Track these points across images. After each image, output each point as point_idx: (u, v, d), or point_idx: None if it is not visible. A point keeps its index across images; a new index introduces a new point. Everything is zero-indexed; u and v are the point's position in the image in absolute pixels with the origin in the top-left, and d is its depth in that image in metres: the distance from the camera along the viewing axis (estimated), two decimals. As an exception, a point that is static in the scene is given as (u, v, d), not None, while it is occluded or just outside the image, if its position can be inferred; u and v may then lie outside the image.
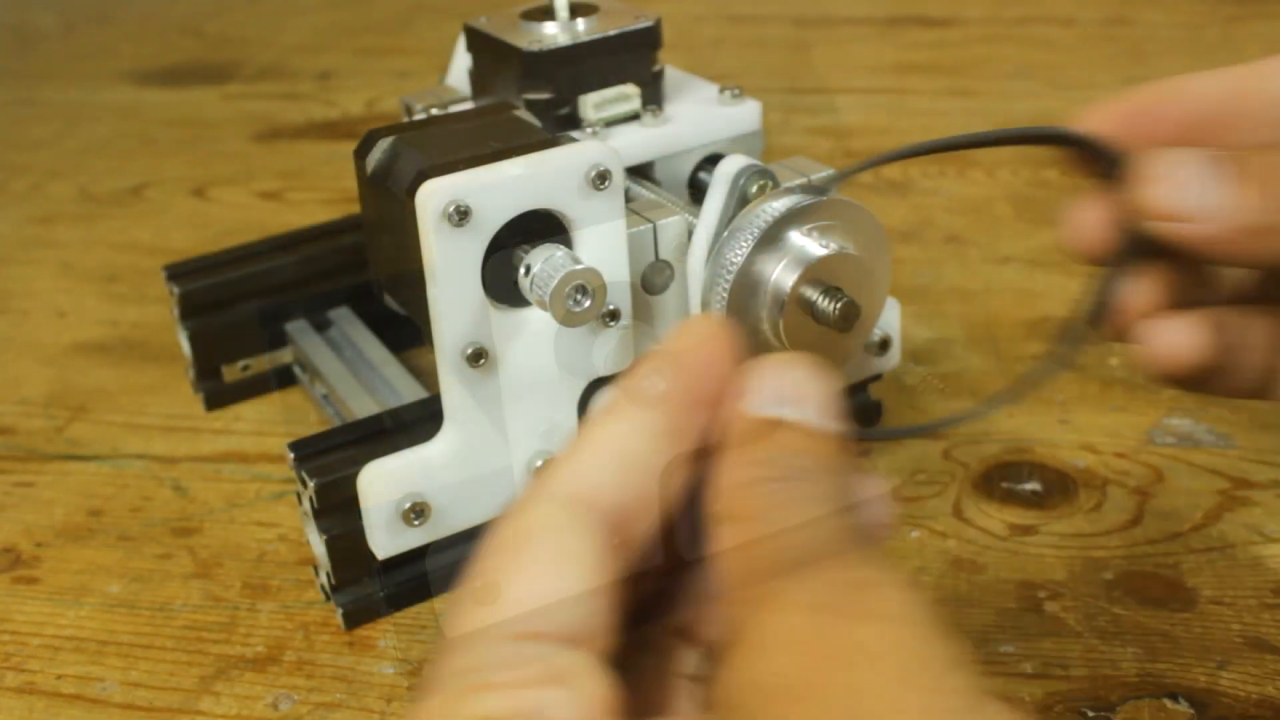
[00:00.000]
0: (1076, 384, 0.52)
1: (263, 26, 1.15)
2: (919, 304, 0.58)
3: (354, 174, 0.42)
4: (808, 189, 0.40)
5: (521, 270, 0.38)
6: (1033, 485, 0.47)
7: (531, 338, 0.39)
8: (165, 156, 0.86)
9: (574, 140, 0.39)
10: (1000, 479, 0.47)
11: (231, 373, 0.55)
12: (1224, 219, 0.28)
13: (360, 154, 0.40)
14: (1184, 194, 0.29)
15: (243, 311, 0.54)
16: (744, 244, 0.39)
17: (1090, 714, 0.37)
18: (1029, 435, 0.49)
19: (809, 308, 0.39)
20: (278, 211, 0.75)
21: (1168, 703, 0.37)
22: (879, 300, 0.42)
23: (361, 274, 0.56)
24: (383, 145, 0.40)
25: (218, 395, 0.55)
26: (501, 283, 0.39)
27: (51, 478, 0.52)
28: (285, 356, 0.56)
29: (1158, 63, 0.89)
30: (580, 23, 0.45)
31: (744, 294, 0.40)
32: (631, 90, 0.46)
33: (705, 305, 0.41)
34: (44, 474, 0.52)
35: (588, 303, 0.37)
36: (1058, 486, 0.46)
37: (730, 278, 0.39)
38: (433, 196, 0.36)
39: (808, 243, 0.39)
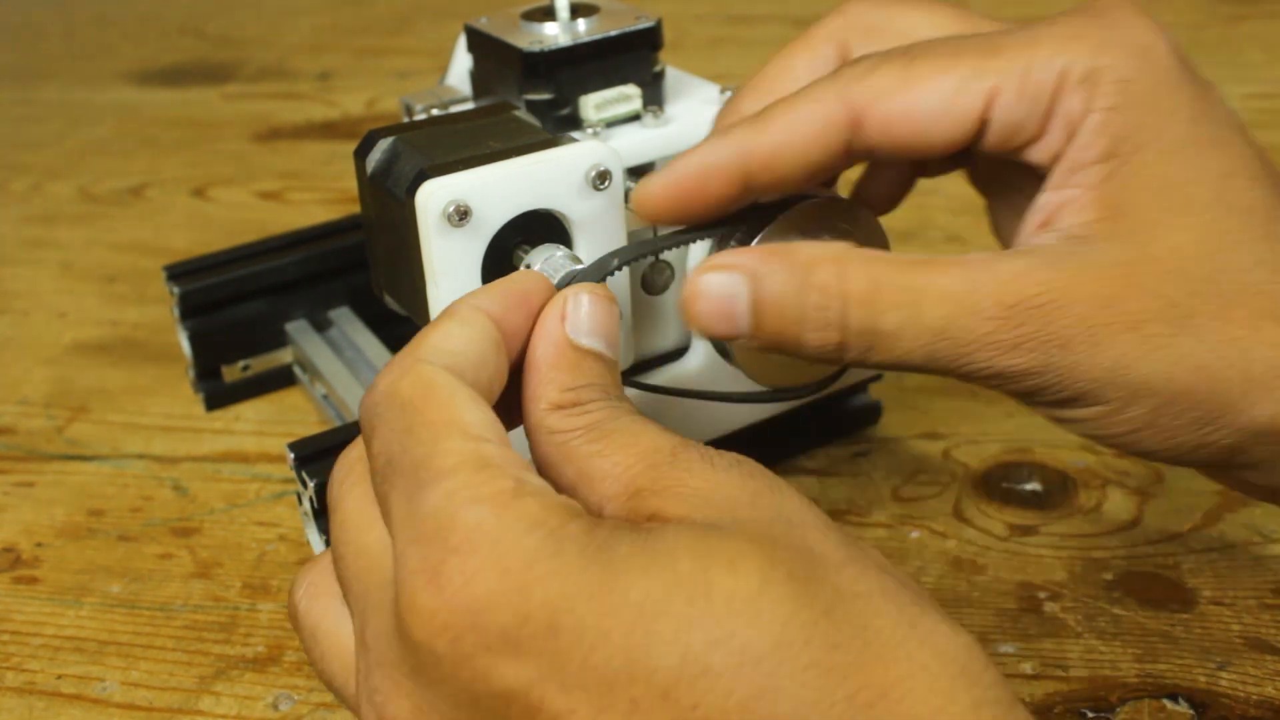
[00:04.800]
0: (1076, 384, 0.52)
1: (263, 26, 1.15)
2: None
3: (354, 174, 0.42)
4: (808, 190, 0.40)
5: (522, 269, 0.38)
6: (1033, 485, 0.47)
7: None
8: (165, 156, 0.86)
9: (575, 140, 0.39)
10: (1000, 479, 0.47)
11: (231, 373, 0.55)
12: (760, 341, 0.32)
13: (360, 154, 0.40)
14: (723, 327, 0.32)
15: (243, 311, 0.54)
16: (744, 244, 0.39)
17: (1090, 714, 0.37)
18: (1029, 435, 0.49)
19: None
20: (278, 211, 0.75)
21: (1168, 703, 0.37)
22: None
23: (362, 274, 0.56)
24: (383, 145, 0.40)
25: (218, 395, 0.55)
26: None
27: (51, 478, 0.52)
28: (285, 356, 0.56)
29: (1158, 63, 0.89)
30: (581, 23, 0.45)
31: None
32: (632, 91, 0.46)
33: None
34: (44, 474, 0.52)
35: None
36: (1058, 486, 0.46)
37: None
38: (432, 197, 0.36)
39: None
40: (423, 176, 0.37)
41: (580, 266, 0.36)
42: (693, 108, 0.47)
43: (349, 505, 0.30)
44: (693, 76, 0.50)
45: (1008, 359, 0.31)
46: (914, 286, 0.31)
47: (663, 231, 0.37)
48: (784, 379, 0.42)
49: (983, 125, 0.33)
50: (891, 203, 0.41)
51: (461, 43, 0.50)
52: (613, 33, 0.45)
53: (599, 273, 0.35)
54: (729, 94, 0.47)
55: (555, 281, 0.36)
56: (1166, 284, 0.31)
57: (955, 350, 0.31)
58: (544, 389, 0.30)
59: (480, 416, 0.28)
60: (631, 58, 0.46)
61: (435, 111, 0.49)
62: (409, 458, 0.27)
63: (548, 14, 0.46)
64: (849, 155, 0.34)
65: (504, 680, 0.25)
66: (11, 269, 0.71)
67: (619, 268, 0.35)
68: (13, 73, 1.08)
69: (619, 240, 0.40)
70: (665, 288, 0.43)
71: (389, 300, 0.43)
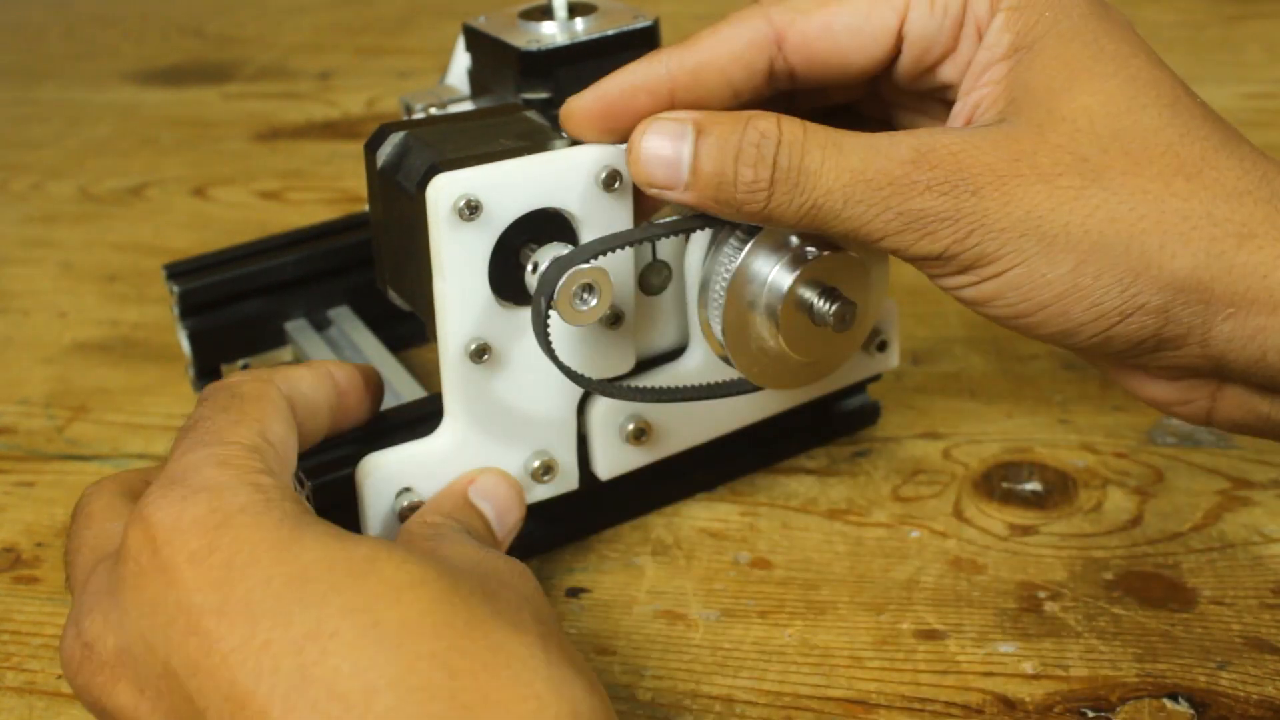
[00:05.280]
0: (1076, 384, 0.52)
1: (263, 26, 1.15)
2: (919, 304, 0.58)
3: (355, 174, 0.42)
4: None
5: (529, 267, 0.38)
6: (1033, 485, 0.47)
7: (534, 337, 0.39)
8: (165, 156, 0.86)
9: (584, 141, 0.39)
10: (1000, 479, 0.47)
11: (231, 372, 0.55)
12: (695, 191, 0.35)
13: (371, 148, 0.40)
14: (663, 171, 0.35)
15: (242, 310, 0.54)
16: (741, 244, 0.39)
17: (1090, 714, 0.37)
18: (1029, 435, 0.49)
19: (806, 309, 0.39)
20: (278, 211, 0.75)
21: (1168, 703, 0.37)
22: (877, 300, 0.42)
23: (360, 273, 0.56)
24: (394, 140, 0.40)
25: (218, 395, 0.55)
26: (507, 280, 0.39)
27: (51, 478, 0.52)
28: (285, 356, 0.56)
29: (1158, 62, 0.89)
30: (579, 22, 0.45)
31: (741, 294, 0.40)
32: (631, 90, 0.46)
33: (703, 306, 0.41)
34: (44, 474, 0.52)
35: (594, 301, 0.37)
36: (1058, 486, 0.46)
37: (727, 278, 0.39)
38: (444, 190, 0.36)
39: (805, 243, 0.39)
40: (434, 170, 0.37)
41: (566, 251, 0.37)
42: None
43: (96, 504, 0.35)
44: None
45: (921, 200, 0.33)
46: (839, 134, 0.34)
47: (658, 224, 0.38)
48: (781, 381, 0.42)
49: (898, 43, 0.35)
50: None
51: (461, 42, 0.50)
52: (610, 32, 0.45)
53: (584, 255, 0.36)
54: None
55: (544, 265, 0.37)
56: (1076, 141, 0.33)
57: (871, 192, 0.33)
58: (431, 505, 0.39)
59: (280, 431, 0.34)
60: (629, 57, 0.45)
61: (434, 110, 0.49)
62: (210, 426, 0.33)
63: (545, 13, 0.46)
64: (771, 78, 0.36)
65: (183, 592, 0.28)
66: (11, 269, 0.71)
67: (602, 253, 0.36)
68: (13, 73, 1.08)
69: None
70: (663, 288, 0.43)
71: (393, 295, 0.43)
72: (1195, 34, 0.94)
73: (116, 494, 0.35)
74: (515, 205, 0.37)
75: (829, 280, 0.39)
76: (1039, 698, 0.37)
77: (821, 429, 0.49)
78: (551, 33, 0.45)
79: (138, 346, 0.62)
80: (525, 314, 0.39)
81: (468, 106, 0.49)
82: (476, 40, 0.47)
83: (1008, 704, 0.37)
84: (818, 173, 0.33)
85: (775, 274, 0.39)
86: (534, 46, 0.44)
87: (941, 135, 0.33)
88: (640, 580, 0.43)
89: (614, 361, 0.41)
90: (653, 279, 0.42)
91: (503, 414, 0.40)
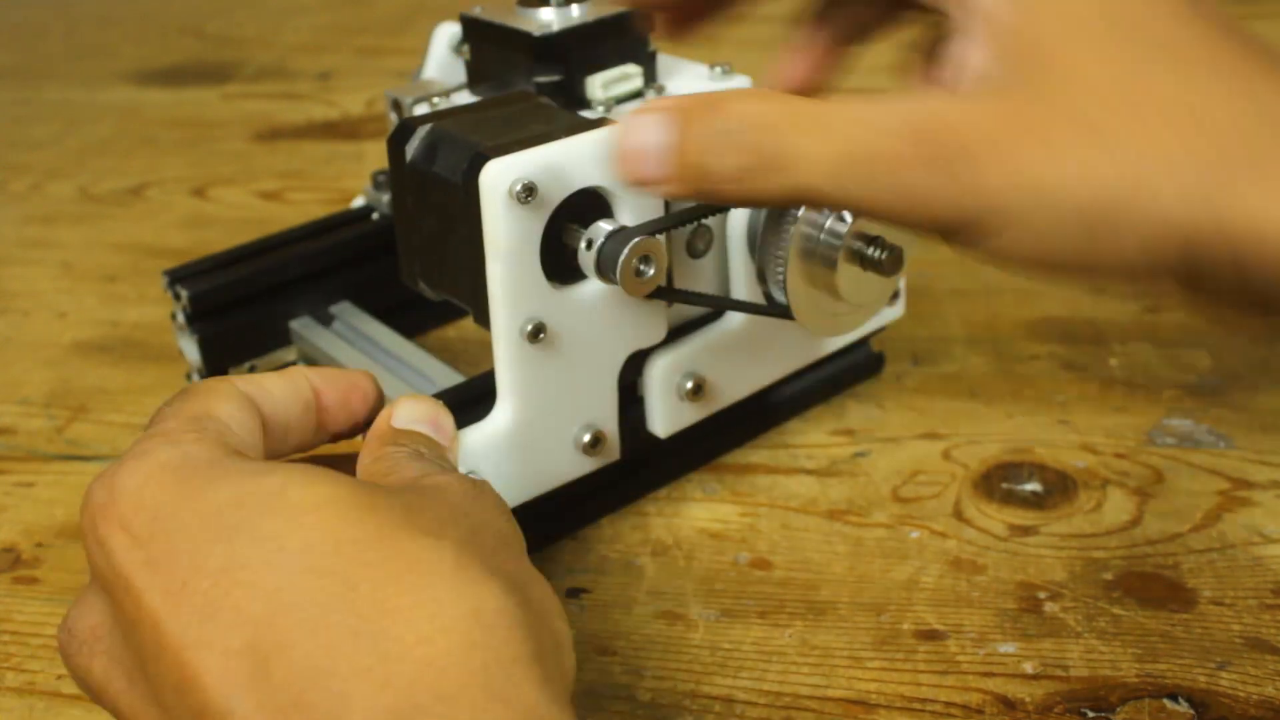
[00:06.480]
0: (1076, 384, 0.52)
1: (263, 26, 1.15)
2: (919, 304, 0.58)
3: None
4: None
5: (583, 244, 0.39)
6: (1033, 486, 0.47)
7: (579, 313, 0.41)
8: (165, 156, 0.86)
9: (614, 121, 0.40)
10: (1000, 479, 0.47)
11: (238, 374, 0.55)
12: (678, 184, 0.33)
13: (397, 142, 0.41)
14: (645, 168, 0.33)
15: (251, 312, 0.54)
16: (797, 212, 0.42)
17: (1090, 714, 0.37)
18: (1029, 436, 0.49)
19: (859, 259, 0.42)
20: (278, 211, 0.75)
21: (1168, 703, 0.37)
22: (909, 243, 0.44)
23: (363, 267, 0.55)
24: (421, 133, 0.41)
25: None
26: (547, 261, 0.40)
27: (51, 478, 0.52)
28: (289, 355, 0.55)
29: (1158, 63, 0.89)
30: (574, 8, 0.46)
31: (799, 254, 0.43)
32: (633, 69, 0.47)
33: (762, 269, 0.44)
34: (44, 474, 0.52)
35: (651, 271, 0.39)
36: (1058, 487, 0.46)
37: (787, 241, 0.42)
38: (500, 175, 0.38)
39: None
40: (482, 158, 0.38)
41: (617, 228, 0.39)
42: (689, 84, 0.49)
43: None
44: (681, 59, 0.51)
45: (916, 175, 0.32)
46: (825, 111, 0.32)
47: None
48: (834, 328, 0.46)
49: None
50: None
51: (438, 36, 0.51)
52: (614, 14, 0.46)
53: (644, 230, 0.39)
54: (719, 70, 0.49)
55: (600, 239, 0.39)
56: (1072, 98, 0.32)
57: (860, 171, 0.32)
58: (367, 448, 0.36)
59: (228, 409, 0.34)
60: (631, 39, 0.47)
61: (437, 101, 0.49)
62: (154, 419, 0.34)
63: (542, 0, 0.47)
64: None
65: (117, 555, 0.29)
66: (11, 269, 0.71)
67: (663, 230, 0.39)
68: (13, 73, 1.08)
69: (658, 214, 0.42)
70: (706, 251, 0.44)
71: (424, 288, 0.44)
72: (1195, 34, 0.94)
73: None
74: (564, 186, 0.39)
75: (872, 230, 0.42)
76: (1039, 698, 0.37)
77: (837, 380, 0.52)
78: (550, 18, 0.46)
79: (138, 346, 0.62)
80: (568, 292, 0.40)
81: (465, 97, 0.50)
82: (478, 30, 0.48)
83: (1008, 704, 0.37)
84: (801, 155, 0.32)
85: (828, 233, 0.42)
86: (546, 31, 0.45)
87: (932, 101, 0.33)
88: (640, 581, 0.43)
89: (648, 331, 0.43)
90: (697, 243, 0.44)
91: (555, 391, 0.41)
